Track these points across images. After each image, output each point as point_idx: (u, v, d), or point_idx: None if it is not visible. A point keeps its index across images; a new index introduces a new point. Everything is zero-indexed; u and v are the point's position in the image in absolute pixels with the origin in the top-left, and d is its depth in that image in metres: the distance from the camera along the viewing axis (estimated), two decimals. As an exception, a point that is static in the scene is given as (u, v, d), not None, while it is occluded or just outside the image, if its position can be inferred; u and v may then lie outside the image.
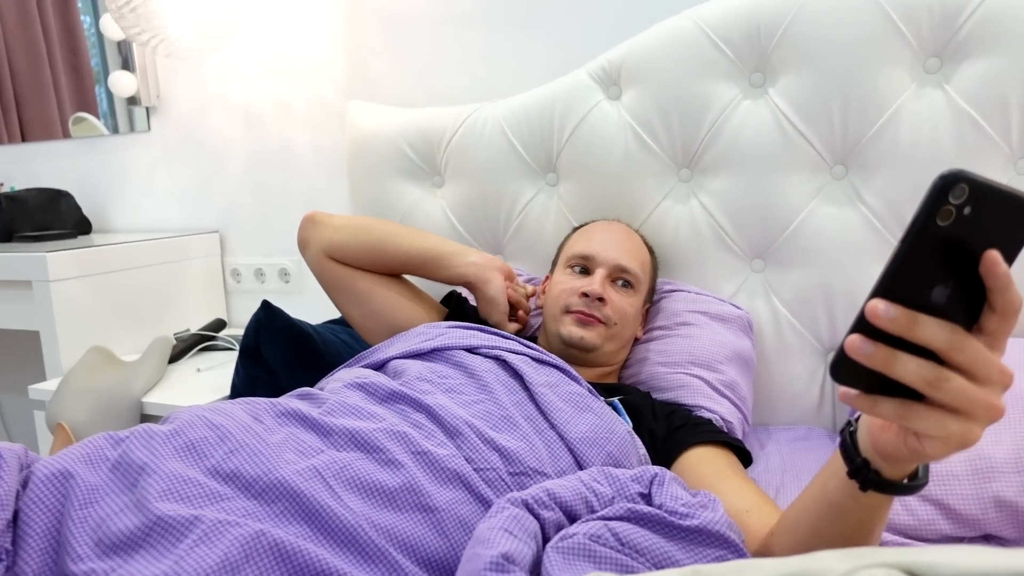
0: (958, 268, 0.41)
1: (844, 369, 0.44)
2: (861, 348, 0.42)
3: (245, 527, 0.57)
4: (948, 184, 0.39)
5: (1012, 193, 0.40)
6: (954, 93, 1.04)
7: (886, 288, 0.42)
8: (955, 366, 0.42)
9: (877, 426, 0.51)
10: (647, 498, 0.67)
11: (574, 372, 0.94)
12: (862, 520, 0.58)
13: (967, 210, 0.39)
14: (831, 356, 0.45)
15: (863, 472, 0.53)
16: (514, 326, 1.10)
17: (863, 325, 0.42)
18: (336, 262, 1.13)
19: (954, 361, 0.42)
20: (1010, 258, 0.41)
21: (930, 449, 0.47)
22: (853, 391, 0.46)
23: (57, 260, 1.47)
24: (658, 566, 0.59)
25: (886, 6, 1.04)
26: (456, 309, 1.16)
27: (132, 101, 1.87)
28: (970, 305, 0.43)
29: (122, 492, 0.60)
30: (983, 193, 0.39)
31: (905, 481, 0.53)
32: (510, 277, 1.11)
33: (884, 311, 0.41)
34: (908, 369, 0.42)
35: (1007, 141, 1.03)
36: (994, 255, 0.41)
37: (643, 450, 0.89)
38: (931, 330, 0.41)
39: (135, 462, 0.62)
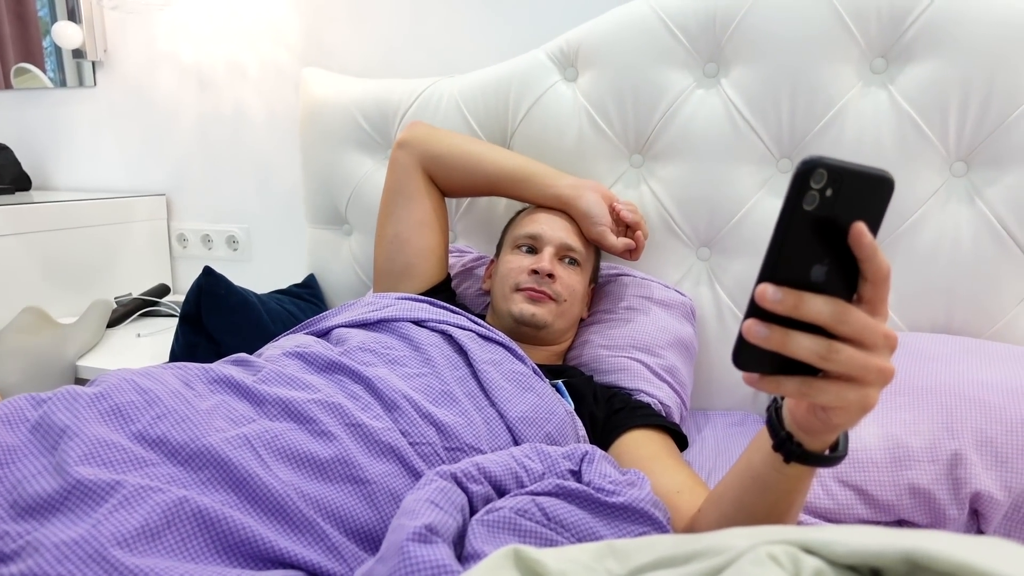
0: (831, 245, 0.44)
1: (744, 355, 0.47)
2: (757, 331, 0.45)
3: (168, 493, 0.57)
4: (808, 171, 0.42)
5: (867, 171, 0.43)
6: (897, 94, 1.07)
7: (770, 273, 0.44)
8: (843, 337, 0.45)
9: (792, 402, 0.54)
10: (577, 475, 0.69)
11: (520, 351, 0.94)
12: (784, 491, 0.61)
13: (829, 192, 0.42)
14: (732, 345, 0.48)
15: (787, 445, 0.55)
16: (624, 242, 1.08)
17: (755, 310, 0.45)
18: (423, 174, 1.16)
19: (841, 332, 0.45)
20: (874, 228, 0.44)
21: (836, 419, 0.50)
22: (756, 375, 0.48)
23: (-10, 216, 1.41)
24: (581, 541, 0.61)
25: (837, 5, 1.06)
26: (442, 286, 1.17)
27: (78, 54, 1.80)
28: (847, 278, 0.46)
29: (41, 455, 0.59)
30: (840, 175, 0.42)
31: (826, 453, 0.55)
32: (609, 199, 1.11)
33: (771, 293, 0.44)
34: (801, 345, 0.45)
35: (944, 144, 1.06)
36: (859, 227, 0.44)
37: (583, 431, 0.90)
38: (816, 306, 0.44)
39: (56, 424, 0.61)
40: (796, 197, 0.42)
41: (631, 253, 1.10)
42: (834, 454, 0.55)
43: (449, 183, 1.18)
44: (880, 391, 0.48)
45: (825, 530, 0.40)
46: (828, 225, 0.44)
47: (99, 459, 0.59)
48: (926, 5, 1.03)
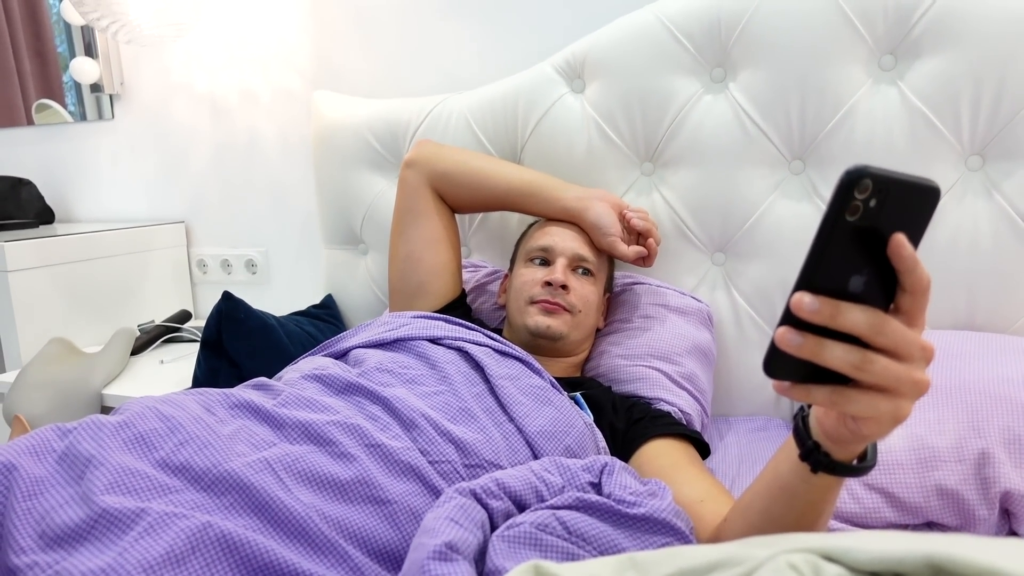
0: (871, 255, 0.43)
1: (776, 363, 0.46)
2: (791, 340, 0.44)
3: (192, 519, 0.57)
4: (853, 181, 0.41)
5: (912, 181, 0.42)
6: (908, 90, 1.06)
7: (807, 282, 0.43)
8: (878, 348, 0.44)
9: (821, 411, 0.53)
10: (597, 487, 0.68)
11: (537, 365, 0.94)
12: (812, 502, 0.60)
13: (873, 202, 0.41)
14: (763, 353, 0.47)
15: (814, 454, 0.55)
16: (635, 250, 1.07)
17: (790, 318, 0.44)
18: (432, 193, 1.17)
19: (877, 343, 0.44)
20: (916, 239, 0.43)
21: (866, 429, 0.49)
22: (787, 383, 0.47)
23: (16, 250, 1.44)
24: (604, 554, 0.60)
25: (843, 4, 1.06)
26: (457, 303, 1.17)
27: (95, 88, 1.84)
28: (885, 288, 0.45)
29: (68, 484, 0.60)
30: (886, 185, 0.41)
31: (854, 463, 0.54)
32: (618, 207, 1.11)
33: (808, 303, 0.43)
34: (835, 355, 0.44)
35: (958, 138, 1.05)
36: (900, 238, 0.43)
37: (603, 443, 0.90)
38: (853, 316, 0.43)
39: (82, 454, 0.62)
40: (839, 207, 0.41)
41: (644, 260, 1.10)
42: (863, 464, 0.54)
43: (458, 200, 1.19)
44: (913, 403, 0.47)
45: (846, 537, 0.39)
46: (870, 235, 0.43)
47: (124, 487, 0.60)
48: (932, 1, 1.02)
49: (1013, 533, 0.80)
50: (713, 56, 1.15)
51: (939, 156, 1.06)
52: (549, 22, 1.39)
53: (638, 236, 1.11)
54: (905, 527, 0.82)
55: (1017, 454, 0.78)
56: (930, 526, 0.81)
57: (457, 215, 1.23)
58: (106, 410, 1.29)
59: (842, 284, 0.44)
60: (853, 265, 0.43)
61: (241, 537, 0.58)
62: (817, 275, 0.43)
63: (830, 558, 0.38)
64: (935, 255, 1.07)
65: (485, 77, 1.39)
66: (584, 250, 1.07)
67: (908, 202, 0.43)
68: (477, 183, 1.16)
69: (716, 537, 0.72)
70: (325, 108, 1.46)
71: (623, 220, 1.09)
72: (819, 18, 1.08)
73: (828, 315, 0.43)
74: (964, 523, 0.79)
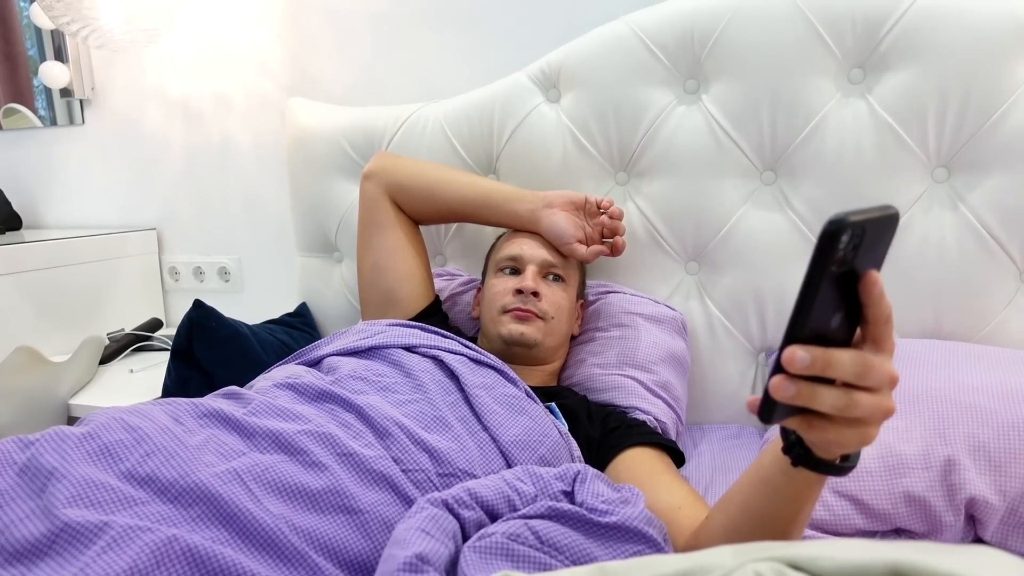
0: (845, 294, 0.45)
1: (770, 409, 0.48)
2: (786, 389, 0.46)
3: (157, 532, 0.56)
4: (835, 233, 0.42)
5: (879, 215, 0.43)
6: (876, 103, 1.08)
7: (796, 335, 0.45)
8: (859, 387, 0.46)
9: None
10: (570, 496, 0.68)
11: (512, 374, 0.94)
12: (791, 497, 0.61)
13: (851, 248, 0.43)
14: (761, 395, 0.48)
15: (796, 449, 0.56)
16: (594, 251, 1.08)
17: (782, 369, 0.45)
18: (391, 203, 1.17)
19: (860, 384, 0.46)
20: (880, 265, 0.45)
21: (836, 448, 0.52)
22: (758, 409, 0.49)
23: (-20, 257, 1.41)
24: (576, 563, 0.60)
25: (812, 18, 1.08)
26: (432, 309, 1.17)
27: (65, 93, 1.81)
28: (852, 319, 0.47)
29: (29, 498, 0.59)
30: (862, 228, 0.42)
31: (836, 461, 0.56)
32: (577, 206, 1.11)
33: (801, 359, 0.44)
34: (826, 401, 0.46)
35: (924, 151, 1.07)
36: (873, 276, 0.45)
37: (578, 452, 0.90)
38: (842, 364, 0.45)
39: (44, 466, 0.60)
40: (824, 260, 0.42)
41: (611, 253, 1.11)
42: (844, 464, 0.56)
43: (416, 211, 1.19)
44: (879, 426, 0.49)
45: (812, 545, 0.40)
46: (847, 277, 0.44)
47: (87, 500, 0.58)
48: (899, 15, 1.04)
49: (979, 539, 0.81)
50: (686, 68, 1.17)
51: (906, 168, 1.08)
52: (525, 32, 1.40)
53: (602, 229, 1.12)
54: (874, 534, 0.83)
55: (982, 461, 0.79)
56: (898, 532, 0.82)
57: (431, 225, 1.22)
58: (73, 420, 1.27)
59: (825, 327, 0.45)
60: (833, 307, 0.45)
61: (208, 550, 0.57)
62: (805, 326, 0.44)
63: (796, 566, 0.38)
64: (902, 265, 1.09)
65: (461, 86, 1.39)
66: (553, 256, 1.08)
67: (877, 236, 0.44)
68: (432, 195, 1.17)
69: (695, 538, 0.72)
70: (300, 115, 1.45)
71: (586, 211, 1.10)
72: (790, 31, 1.09)
73: (820, 368, 0.45)
74: (931, 529, 0.80)
